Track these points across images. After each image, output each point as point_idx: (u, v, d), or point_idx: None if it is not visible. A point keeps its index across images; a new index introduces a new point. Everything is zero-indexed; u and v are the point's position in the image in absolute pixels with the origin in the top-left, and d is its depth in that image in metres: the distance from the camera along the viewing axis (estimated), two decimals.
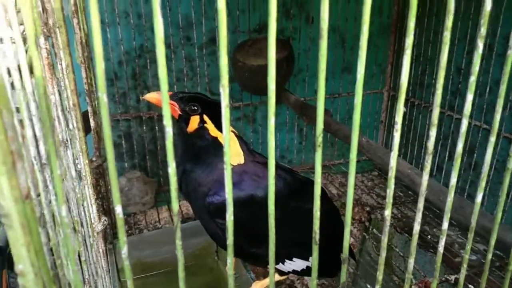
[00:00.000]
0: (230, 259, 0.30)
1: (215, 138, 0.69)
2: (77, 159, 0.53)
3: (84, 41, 0.90)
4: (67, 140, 0.46)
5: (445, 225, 0.37)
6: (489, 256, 0.42)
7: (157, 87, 1.27)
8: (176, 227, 0.28)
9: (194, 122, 0.69)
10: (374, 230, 1.20)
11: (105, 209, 0.92)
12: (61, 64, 0.49)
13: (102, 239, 0.68)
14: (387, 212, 0.34)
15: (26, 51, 0.33)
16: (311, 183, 0.78)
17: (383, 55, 1.47)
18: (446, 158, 1.31)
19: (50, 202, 0.31)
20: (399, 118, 0.31)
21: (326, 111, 1.15)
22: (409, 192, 1.37)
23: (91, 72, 1.00)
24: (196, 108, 0.68)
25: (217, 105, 0.71)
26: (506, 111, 1.08)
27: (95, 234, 0.63)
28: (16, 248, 0.24)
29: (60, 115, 0.42)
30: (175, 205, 0.27)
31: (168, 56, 1.25)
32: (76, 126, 0.56)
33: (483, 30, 0.31)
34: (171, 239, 0.93)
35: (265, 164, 0.71)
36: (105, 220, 0.66)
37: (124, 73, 1.23)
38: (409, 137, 1.44)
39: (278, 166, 0.76)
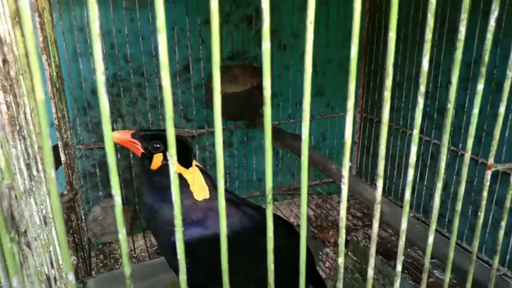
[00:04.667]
0: None
1: (179, 175, 0.69)
2: (42, 204, 0.53)
3: (55, 74, 0.90)
4: (29, 189, 0.46)
5: (399, 267, 0.39)
6: (447, 279, 0.44)
7: (131, 116, 1.27)
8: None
9: (157, 160, 0.69)
10: (350, 253, 1.22)
11: (77, 243, 0.91)
12: (24, 112, 0.49)
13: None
14: (340, 260, 0.35)
15: None
16: (279, 220, 0.79)
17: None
18: (418, 178, 1.34)
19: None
20: (345, 172, 0.33)
21: (297, 136, 1.17)
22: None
23: (63, 103, 1.00)
24: (158, 146, 0.68)
25: (179, 141, 0.72)
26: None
27: (63, 275, 0.62)
28: None
29: (22, 167, 0.43)
30: (127, 270, 0.28)
31: (142, 84, 1.26)
32: (42, 169, 0.56)
33: (421, 89, 0.33)
34: (142, 275, 0.93)
35: (230, 201, 0.71)
36: (74, 259, 0.66)
37: (97, 102, 1.23)
38: (375, 156, 1.47)
39: (245, 203, 0.76)
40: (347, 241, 1.29)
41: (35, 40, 0.23)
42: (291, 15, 1.34)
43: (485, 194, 0.42)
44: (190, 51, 1.26)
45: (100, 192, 1.31)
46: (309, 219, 1.42)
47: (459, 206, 0.41)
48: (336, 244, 1.25)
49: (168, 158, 0.28)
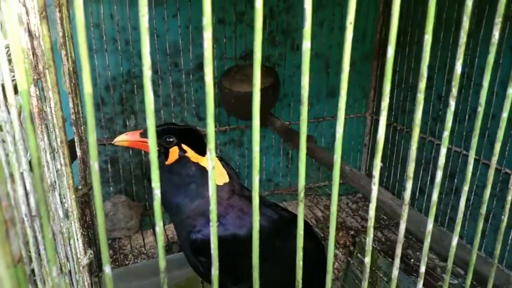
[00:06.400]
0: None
1: (197, 164, 0.69)
2: (64, 198, 0.53)
3: (71, 69, 0.91)
4: (55, 182, 0.46)
5: (422, 269, 0.39)
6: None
7: (143, 113, 1.28)
8: (162, 284, 0.29)
9: (174, 154, 0.68)
10: (358, 254, 1.22)
11: (90, 238, 0.92)
12: (49, 105, 0.50)
13: (87, 273, 0.68)
14: (367, 260, 0.35)
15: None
16: (296, 220, 0.79)
17: (366, 80, 1.51)
18: (428, 182, 1.34)
19: (39, 255, 0.32)
20: (376, 173, 0.33)
21: (310, 137, 1.17)
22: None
23: (78, 99, 1.00)
24: (172, 139, 0.68)
25: (190, 130, 0.71)
26: (484, 138, 1.12)
27: (81, 268, 0.63)
28: None
29: (49, 160, 0.43)
30: (162, 263, 0.28)
31: (155, 81, 1.26)
32: (63, 163, 0.57)
33: (458, 66, 0.33)
34: (155, 271, 0.93)
35: (249, 198, 0.71)
36: (91, 253, 0.66)
37: (111, 98, 1.24)
38: (392, 160, 1.47)
39: (262, 202, 0.76)
40: (355, 243, 1.29)
41: (84, 35, 0.24)
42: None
43: (509, 198, 0.42)
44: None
45: (111, 188, 1.32)
46: (317, 220, 1.42)
47: (483, 209, 0.42)
48: (345, 246, 1.25)
49: (208, 153, 0.28)
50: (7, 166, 0.26)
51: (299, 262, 0.34)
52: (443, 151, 0.35)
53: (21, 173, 0.30)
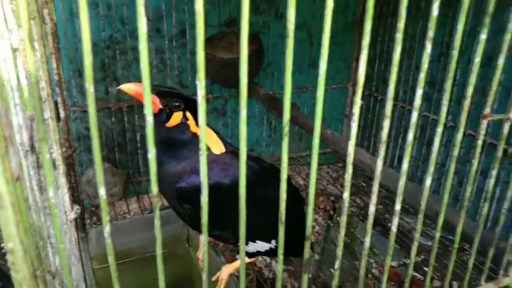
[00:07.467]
0: (205, 237, 0.33)
1: (195, 134, 0.71)
2: (52, 149, 0.54)
3: (54, 31, 0.89)
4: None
5: (398, 206, 0.42)
6: (437, 234, 0.47)
7: (126, 79, 1.27)
8: (155, 207, 0.30)
9: (176, 118, 0.70)
10: (338, 218, 1.26)
11: (75, 199, 0.93)
12: (36, 56, 0.50)
13: (74, 228, 0.69)
14: (346, 194, 0.37)
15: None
16: (276, 171, 0.82)
17: (348, 51, 1.53)
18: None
19: (32, 187, 0.33)
20: (356, 109, 0.35)
21: (293, 105, 1.19)
22: (371, 182, 1.44)
23: (60, 62, 0.99)
24: (178, 104, 0.70)
25: (195, 101, 0.74)
26: (457, 105, 1.16)
27: (68, 222, 0.64)
28: (6, 227, 0.26)
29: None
30: (154, 188, 0.30)
31: (137, 48, 1.25)
32: (50, 116, 0.57)
33: (430, 33, 0.35)
34: (139, 229, 0.95)
35: (233, 153, 0.74)
36: (78, 208, 0.68)
37: (93, 64, 1.22)
38: (372, 130, 1.50)
39: (247, 156, 0.79)
40: (335, 208, 1.33)
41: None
42: None
43: (479, 142, 0.44)
44: (187, 16, 1.26)
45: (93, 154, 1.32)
46: (300, 187, 1.46)
47: (455, 153, 0.44)
48: (325, 210, 1.29)
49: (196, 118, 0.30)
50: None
51: (283, 195, 0.36)
52: (417, 103, 0.37)
53: (15, 105, 0.31)
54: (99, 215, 1.30)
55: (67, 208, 0.65)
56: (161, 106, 0.70)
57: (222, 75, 1.26)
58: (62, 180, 0.61)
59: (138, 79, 1.28)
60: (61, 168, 0.62)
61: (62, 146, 0.90)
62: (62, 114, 0.88)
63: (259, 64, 1.31)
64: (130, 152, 1.36)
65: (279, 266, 0.37)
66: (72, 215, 0.66)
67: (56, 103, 0.87)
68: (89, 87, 0.26)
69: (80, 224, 1.01)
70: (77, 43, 1.18)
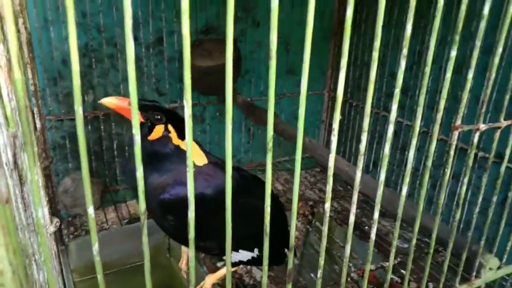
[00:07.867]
0: (192, 252, 0.34)
1: (177, 146, 0.72)
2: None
3: (28, 40, 0.88)
4: (23, 144, 0.47)
5: (376, 214, 0.43)
6: (414, 240, 0.49)
7: (102, 87, 1.26)
8: (142, 225, 0.31)
9: (158, 131, 0.71)
10: (317, 223, 1.28)
11: (53, 211, 0.91)
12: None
13: (54, 241, 0.69)
14: (327, 205, 0.39)
15: None
16: (258, 180, 0.83)
17: (324, 58, 1.56)
18: (381, 155, 1.42)
19: (18, 206, 0.33)
20: (336, 125, 0.36)
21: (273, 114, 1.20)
22: (348, 186, 1.47)
23: (35, 71, 0.97)
24: (160, 117, 0.71)
25: (176, 114, 0.75)
26: (429, 111, 1.20)
27: (48, 235, 0.63)
28: None
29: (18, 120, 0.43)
30: (142, 205, 0.31)
31: (114, 55, 1.24)
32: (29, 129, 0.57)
33: (404, 51, 0.37)
34: (118, 240, 0.94)
35: (215, 164, 0.75)
36: (57, 222, 0.67)
37: (68, 72, 1.21)
38: (347, 135, 1.54)
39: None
40: (313, 213, 1.35)
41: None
42: None
43: (451, 152, 0.47)
44: (164, 23, 1.26)
45: (70, 164, 1.30)
46: (278, 193, 1.47)
47: (429, 162, 0.46)
48: (304, 215, 1.31)
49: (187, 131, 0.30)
50: None
51: (267, 208, 0.37)
52: (394, 106, 0.39)
53: None
54: (76, 225, 1.28)
55: (46, 222, 0.64)
56: (142, 120, 0.70)
57: (201, 82, 1.27)
58: (41, 193, 0.61)
59: (115, 86, 1.27)
60: (40, 181, 0.61)
61: (39, 158, 0.89)
62: (38, 124, 0.87)
63: (237, 71, 1.32)
64: (107, 161, 1.35)
65: (264, 277, 0.38)
66: (51, 229, 0.65)
67: (32, 114, 0.86)
68: (78, 108, 0.27)
69: (59, 236, 0.99)
70: (53, 51, 1.16)
